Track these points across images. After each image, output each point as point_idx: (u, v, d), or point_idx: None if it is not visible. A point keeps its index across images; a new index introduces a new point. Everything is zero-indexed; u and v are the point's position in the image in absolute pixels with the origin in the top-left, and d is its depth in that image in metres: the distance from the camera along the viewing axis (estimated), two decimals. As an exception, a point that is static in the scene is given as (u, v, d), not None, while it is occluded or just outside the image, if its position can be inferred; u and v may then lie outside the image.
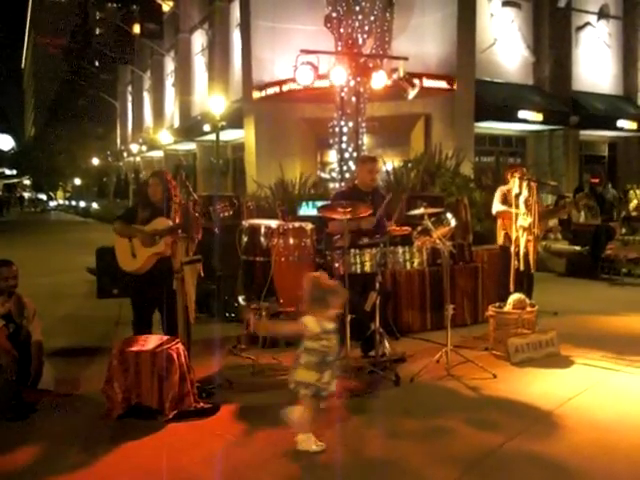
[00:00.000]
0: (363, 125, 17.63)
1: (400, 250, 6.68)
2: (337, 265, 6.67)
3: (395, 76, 12.27)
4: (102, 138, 58.86)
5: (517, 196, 8.03)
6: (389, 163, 17.23)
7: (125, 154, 52.67)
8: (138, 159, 49.25)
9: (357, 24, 17.81)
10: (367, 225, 6.95)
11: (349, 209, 6.45)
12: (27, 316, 5.95)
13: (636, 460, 4.65)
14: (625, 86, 29.28)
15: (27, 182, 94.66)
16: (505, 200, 8.76)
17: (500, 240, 8.95)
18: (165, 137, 34.67)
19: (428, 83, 21.49)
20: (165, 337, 5.82)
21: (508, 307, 7.54)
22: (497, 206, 8.86)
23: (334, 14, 17.92)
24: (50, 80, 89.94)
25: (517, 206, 8.02)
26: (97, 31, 66.17)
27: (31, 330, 5.93)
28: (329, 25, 18.10)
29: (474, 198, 15.21)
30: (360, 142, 16.48)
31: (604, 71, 28.57)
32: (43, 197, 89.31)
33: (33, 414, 5.61)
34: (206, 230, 6.81)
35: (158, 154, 41.99)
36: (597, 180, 21.82)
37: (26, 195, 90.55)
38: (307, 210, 11.27)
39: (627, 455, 4.72)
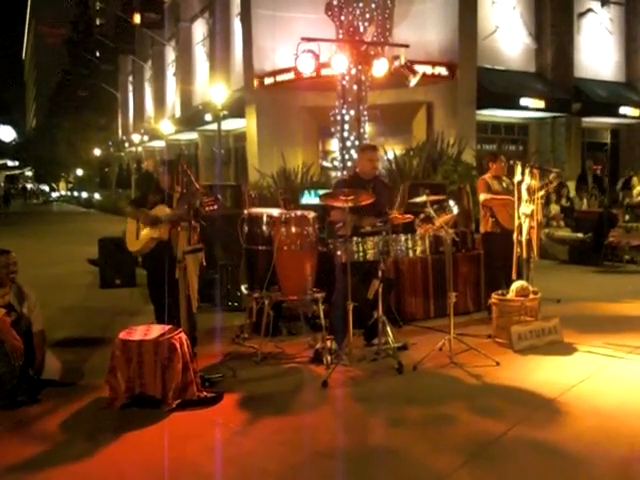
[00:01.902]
0: (365, 113, 17.56)
1: (402, 238, 6.68)
2: (339, 253, 6.66)
3: (397, 64, 12.24)
4: (103, 128, 58.73)
5: (519, 183, 8.01)
6: (391, 151, 17.21)
7: (127, 144, 52.58)
8: (140, 149, 49.17)
9: (358, 12, 17.71)
10: (368, 225, 6.91)
11: (351, 197, 6.44)
12: (28, 305, 5.96)
13: (637, 445, 4.65)
14: (627, 73, 29.18)
15: (29, 173, 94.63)
16: (489, 188, 8.80)
17: (488, 227, 8.93)
18: (166, 127, 34.60)
19: (429, 70, 21.44)
20: (168, 326, 5.82)
21: (511, 294, 7.53)
22: (484, 195, 8.85)
23: (335, 2, 17.82)
24: (51, 71, 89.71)
25: (520, 193, 8.00)
26: (97, 21, 66.07)
27: (32, 320, 5.95)
28: (330, 13, 18.01)
29: (476, 186, 15.18)
30: (362, 130, 16.45)
31: (606, 58, 28.47)
32: (45, 188, 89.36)
33: (37, 404, 5.63)
34: (208, 219, 6.83)
35: (160, 144, 41.90)
36: (599, 167, 21.84)
37: (28, 186, 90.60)
38: (309, 199, 11.25)
39: (629, 441, 4.72)
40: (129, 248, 7.03)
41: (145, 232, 6.74)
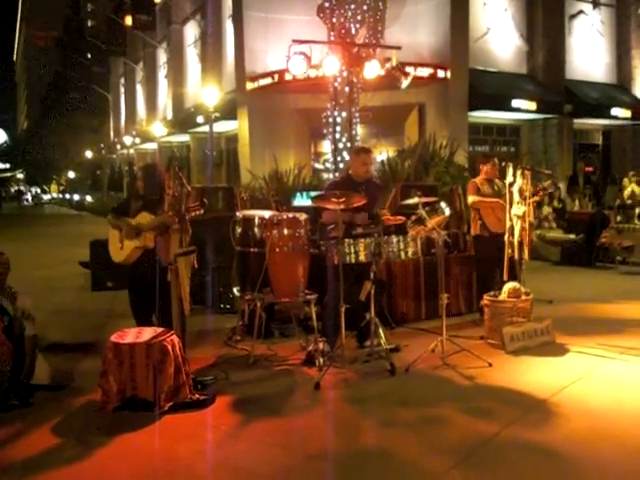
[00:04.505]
0: (357, 115, 17.56)
1: (394, 240, 6.66)
2: (331, 255, 6.66)
3: (388, 65, 12.25)
4: (95, 131, 58.67)
5: (511, 185, 8.02)
6: (383, 153, 17.23)
7: (118, 147, 52.56)
8: (132, 151, 49.15)
9: (350, 13, 17.72)
10: (360, 220, 6.93)
11: (343, 199, 6.44)
12: (22, 309, 5.93)
13: (629, 447, 4.67)
14: (618, 74, 29.29)
15: (20, 176, 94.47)
16: (479, 191, 8.79)
17: (476, 230, 8.93)
18: (158, 129, 34.57)
19: (421, 72, 21.48)
20: (159, 329, 5.80)
21: (503, 296, 7.54)
22: (472, 197, 8.85)
23: (327, 4, 17.83)
24: (42, 73, 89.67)
25: (511, 195, 8.01)
26: (89, 23, 65.99)
27: (25, 324, 5.91)
28: (322, 15, 18.01)
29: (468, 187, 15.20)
30: (354, 132, 16.44)
31: (597, 59, 28.57)
32: (37, 190, 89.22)
33: (29, 407, 5.61)
34: (200, 222, 6.81)
35: (152, 146, 41.87)
36: (591, 169, 21.91)
37: (22, 189, 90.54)
38: (301, 200, 11.26)
39: (620, 442, 4.73)
40: (113, 259, 6.78)
41: (128, 241, 6.58)
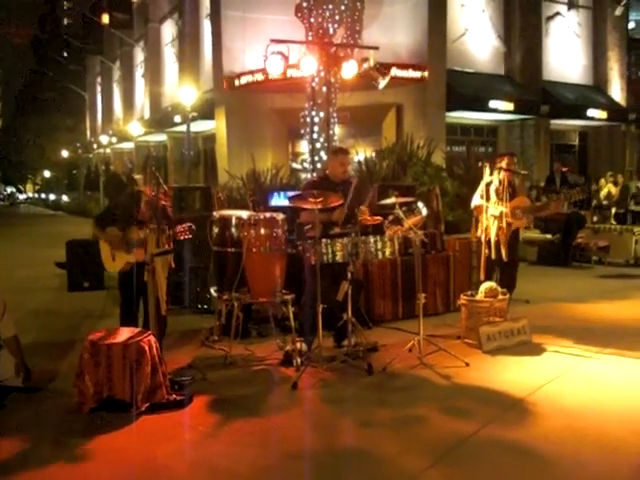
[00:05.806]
0: (334, 115, 17.59)
1: (372, 240, 6.66)
2: (308, 255, 6.65)
3: (366, 66, 12.25)
4: (72, 130, 58.29)
5: (488, 185, 8.05)
6: (361, 153, 17.26)
7: (95, 146, 52.23)
8: (108, 151, 48.89)
9: (328, 13, 17.75)
10: (338, 217, 6.93)
11: (320, 199, 6.43)
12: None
13: (605, 445, 4.69)
14: (595, 76, 29.55)
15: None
16: (483, 195, 8.70)
17: (476, 234, 8.93)
18: (135, 128, 34.42)
19: (399, 73, 21.53)
20: (136, 329, 5.77)
21: (480, 295, 7.57)
22: (474, 200, 8.79)
23: (305, 3, 17.85)
24: (17, 71, 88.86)
25: (489, 195, 8.04)
26: (65, 21, 65.55)
27: (1, 326, 5.80)
28: (300, 14, 18.03)
29: (446, 187, 15.31)
30: (331, 132, 16.47)
31: (574, 61, 28.81)
32: (12, 190, 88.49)
33: (2, 410, 5.55)
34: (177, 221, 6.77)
35: (129, 145, 41.68)
36: (568, 169, 22.04)
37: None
38: (279, 200, 11.22)
39: (596, 440, 4.76)
40: (107, 268, 6.86)
41: (120, 255, 6.60)
